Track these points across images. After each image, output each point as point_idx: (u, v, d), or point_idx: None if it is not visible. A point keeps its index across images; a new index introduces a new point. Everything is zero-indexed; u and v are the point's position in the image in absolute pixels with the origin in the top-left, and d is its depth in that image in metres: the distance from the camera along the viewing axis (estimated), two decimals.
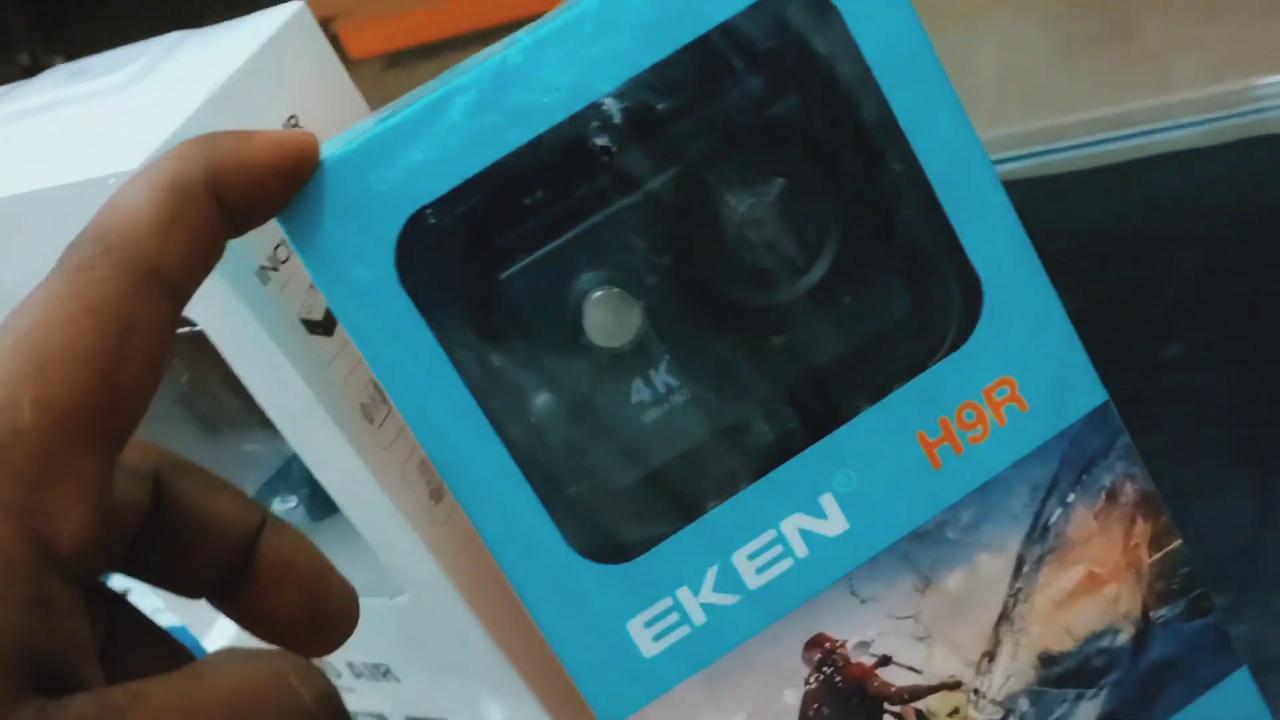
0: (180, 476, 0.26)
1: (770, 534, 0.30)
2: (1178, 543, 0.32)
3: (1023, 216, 0.30)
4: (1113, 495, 0.31)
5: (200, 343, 0.39)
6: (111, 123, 0.34)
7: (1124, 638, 0.32)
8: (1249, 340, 0.49)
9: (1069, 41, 0.63)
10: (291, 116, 0.34)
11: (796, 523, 0.30)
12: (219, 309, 0.33)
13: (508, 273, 0.28)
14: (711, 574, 0.30)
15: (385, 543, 0.39)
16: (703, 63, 0.28)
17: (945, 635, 0.31)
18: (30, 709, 0.19)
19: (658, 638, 0.30)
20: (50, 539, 0.20)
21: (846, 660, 0.31)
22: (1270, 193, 0.53)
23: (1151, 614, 0.32)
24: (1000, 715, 0.31)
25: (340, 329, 0.36)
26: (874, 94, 0.28)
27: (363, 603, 0.42)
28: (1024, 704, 0.31)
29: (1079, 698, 0.32)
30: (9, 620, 0.19)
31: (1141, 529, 0.31)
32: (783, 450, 0.30)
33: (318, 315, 0.35)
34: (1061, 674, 0.32)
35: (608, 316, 0.28)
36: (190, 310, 0.34)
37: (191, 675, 0.21)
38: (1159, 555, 0.32)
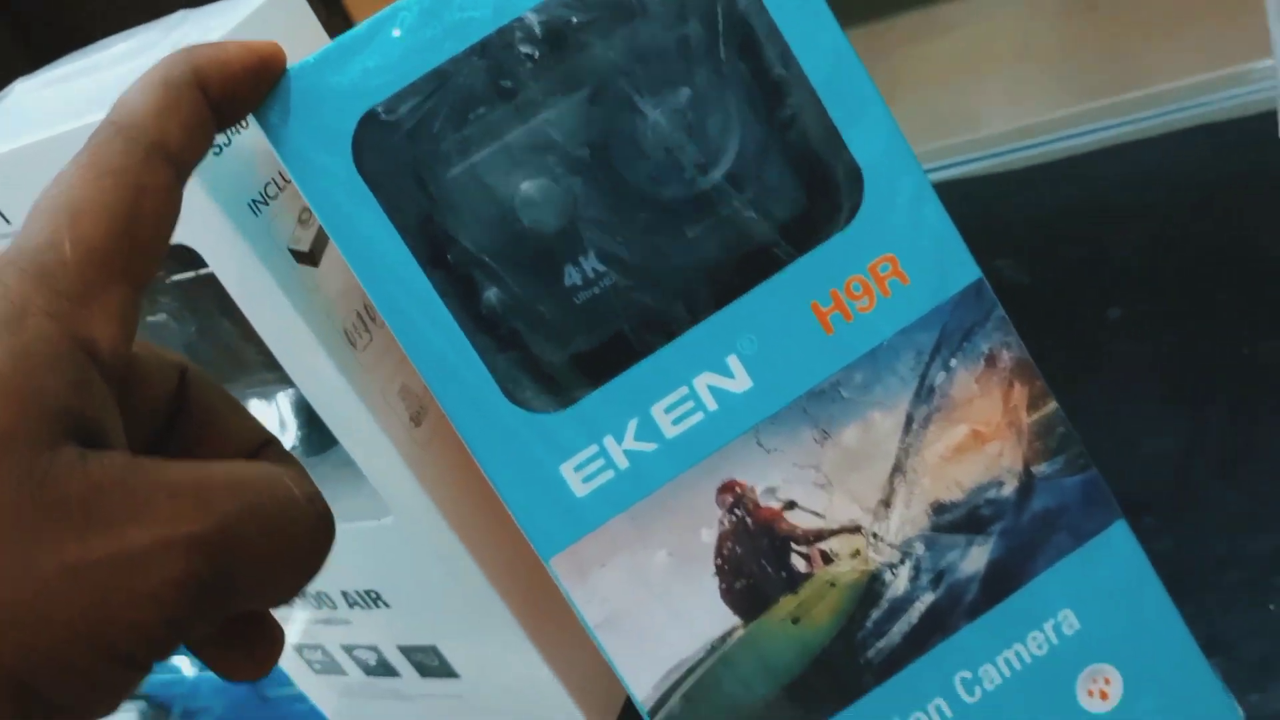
0: (203, 381, 0.31)
1: (683, 390, 0.34)
2: (1053, 405, 0.36)
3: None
4: (991, 361, 0.35)
5: (205, 290, 0.45)
6: (114, 85, 0.40)
7: (1008, 490, 0.36)
8: (1182, 301, 0.54)
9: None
10: None
11: (706, 380, 0.34)
12: (217, 237, 0.39)
13: (451, 162, 0.34)
14: (633, 425, 0.34)
15: (370, 462, 0.44)
16: None
17: (844, 484, 0.35)
18: (73, 452, 0.24)
19: (587, 480, 0.34)
20: (90, 341, 0.26)
21: (756, 504, 0.35)
22: (1203, 175, 0.58)
23: (1033, 469, 0.36)
24: (898, 557, 0.36)
25: (325, 260, 0.41)
26: (762, 14, 0.33)
27: (353, 527, 0.47)
28: (919, 548, 0.36)
29: (969, 543, 0.36)
30: (58, 389, 0.25)
31: (1019, 392, 0.36)
32: (694, 318, 0.34)
33: (304, 246, 0.41)
34: (952, 521, 0.36)
35: (538, 202, 0.33)
36: (192, 239, 0.39)
37: (204, 463, 0.26)
38: (1037, 416, 0.36)
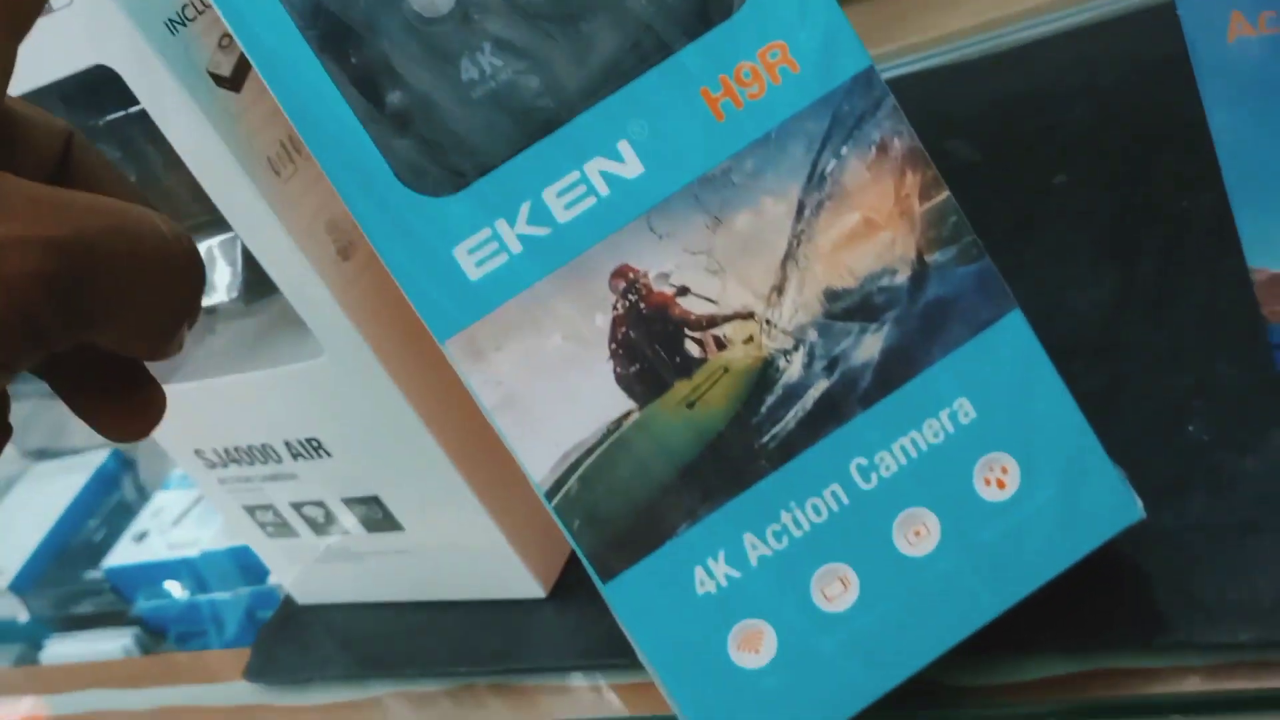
0: (88, 153, 0.32)
1: (575, 174, 0.35)
2: (945, 194, 0.36)
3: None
4: (883, 148, 0.36)
5: (136, 129, 0.46)
6: None
7: (901, 278, 0.36)
8: (1124, 166, 0.55)
9: None
10: None
11: (598, 165, 0.35)
12: (133, 56, 0.40)
13: None
14: (525, 208, 0.35)
15: (298, 297, 0.45)
16: None
17: (736, 269, 0.36)
18: None
19: (480, 263, 0.35)
20: None
21: (649, 289, 0.36)
22: (1149, 55, 0.59)
23: (925, 257, 0.36)
24: (791, 344, 0.36)
25: (249, 88, 0.42)
26: None
27: (290, 370, 0.48)
28: (812, 334, 0.36)
29: (863, 331, 0.36)
30: None
31: (911, 180, 0.36)
32: (585, 103, 0.35)
33: (225, 71, 0.42)
34: (845, 309, 0.36)
35: None
36: (108, 57, 0.40)
37: (72, 190, 0.26)
38: (929, 205, 0.36)
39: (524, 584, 0.52)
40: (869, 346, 0.36)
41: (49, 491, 0.88)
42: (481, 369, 0.35)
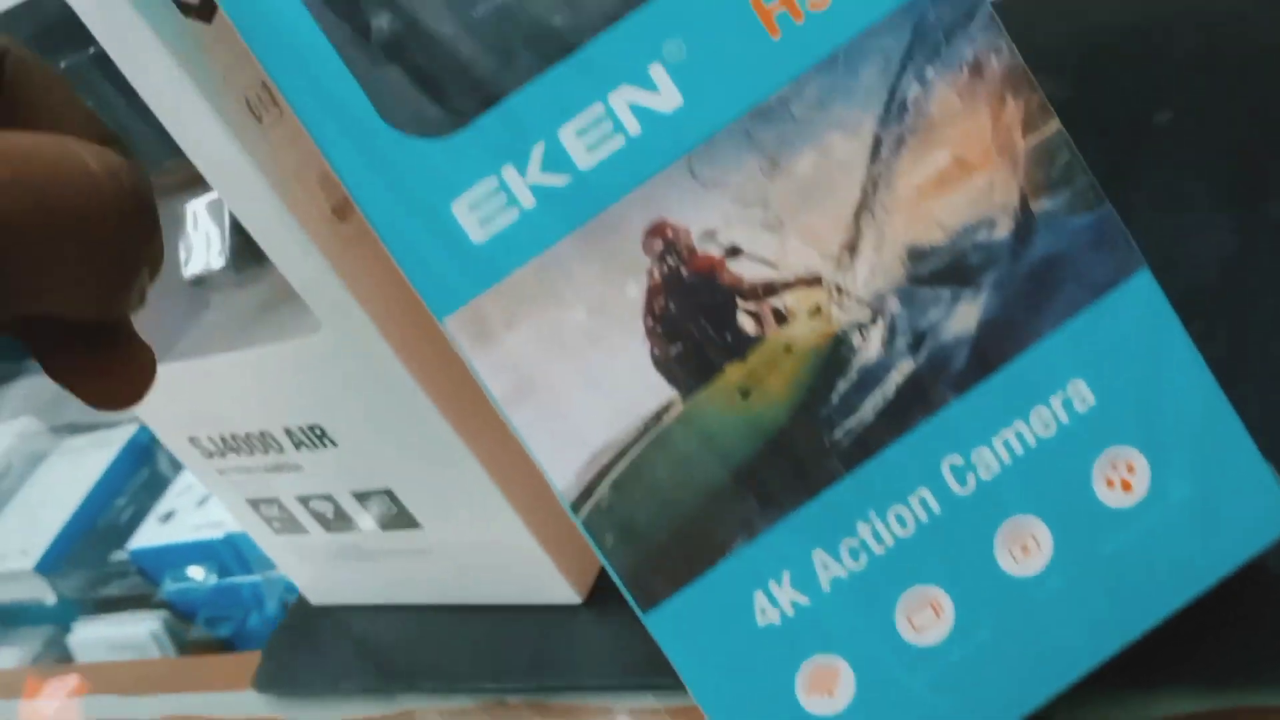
0: (28, 68, 0.26)
1: (598, 108, 0.28)
2: (1055, 125, 0.29)
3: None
4: (977, 69, 0.29)
5: (99, 73, 0.40)
6: None
7: (1002, 231, 0.29)
8: (1235, 102, 0.48)
9: None
10: None
11: (626, 96, 0.28)
12: None
13: None
14: (538, 152, 0.28)
15: (288, 262, 0.39)
16: None
17: (799, 224, 0.29)
18: None
19: (485, 222, 0.28)
20: None
21: (691, 250, 0.29)
22: None
23: (1031, 205, 0.29)
24: (868, 315, 0.29)
25: (219, 16, 0.35)
26: None
27: (285, 348, 0.42)
28: (894, 304, 0.29)
29: (956, 298, 0.29)
30: None
31: (1013, 108, 0.29)
32: (609, 18, 0.28)
33: None
34: (934, 271, 0.29)
35: None
36: None
37: None
38: (1035, 139, 0.29)
39: (557, 588, 0.46)
40: (963, 317, 0.29)
41: (77, 468, 0.85)
42: (489, 351, 0.29)
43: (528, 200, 0.28)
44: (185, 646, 0.74)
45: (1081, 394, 0.30)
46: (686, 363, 0.29)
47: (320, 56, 0.28)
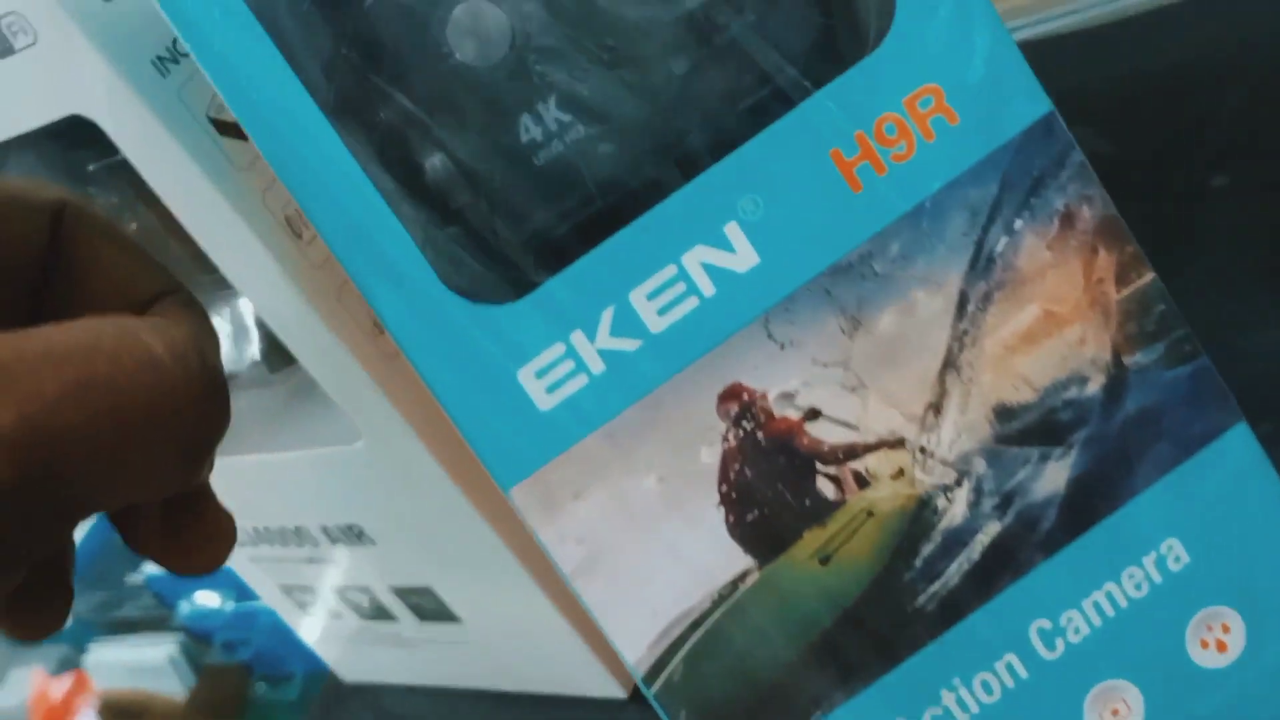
0: (85, 222, 0.25)
1: (671, 269, 0.27)
2: (1150, 277, 0.28)
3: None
4: (1068, 220, 0.27)
5: (130, 175, 0.38)
6: None
7: (1093, 387, 0.28)
8: None
9: None
10: None
11: (700, 256, 0.27)
12: (116, 104, 0.32)
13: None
14: (608, 316, 0.27)
15: (329, 377, 0.37)
16: None
17: (881, 385, 0.28)
18: None
19: (553, 389, 0.27)
20: None
21: (769, 414, 0.27)
22: None
23: (1125, 359, 0.28)
24: (953, 477, 0.28)
25: None
26: None
27: (323, 454, 0.41)
28: (980, 465, 0.28)
29: (1044, 458, 0.28)
30: None
31: (1105, 260, 0.28)
32: (681, 176, 0.27)
33: (230, 115, 0.34)
34: (1022, 430, 0.28)
35: (474, 29, 0.26)
36: (85, 106, 0.32)
37: (23, 334, 0.20)
38: (1129, 290, 0.28)
39: (601, 683, 0.45)
40: (1053, 477, 0.28)
41: None
42: (557, 522, 0.27)
43: (597, 366, 0.27)
44: (203, 671, 0.73)
45: (1176, 552, 0.28)
46: (763, 530, 0.28)
47: (372, 215, 0.26)
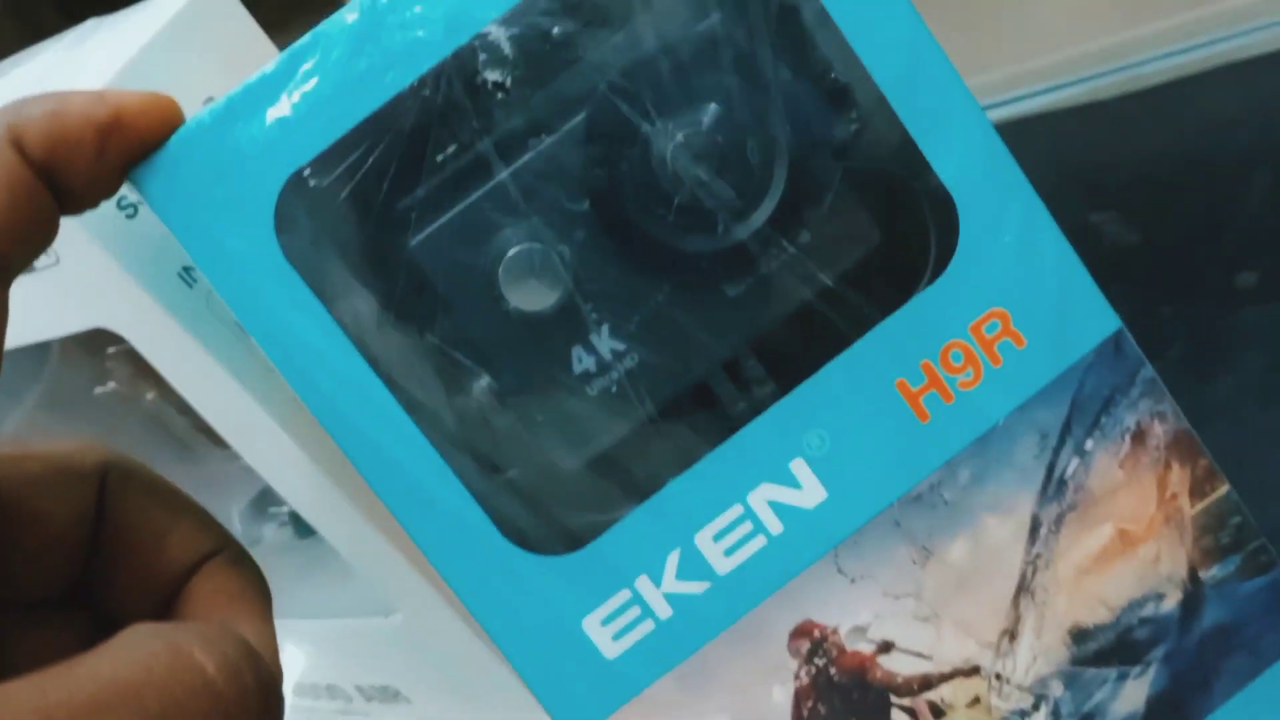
0: (131, 485, 0.24)
1: (737, 509, 0.26)
2: (1225, 489, 0.27)
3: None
4: (1140, 438, 0.27)
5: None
6: None
7: (1170, 604, 0.27)
8: None
9: None
10: (209, 98, 0.31)
11: (766, 494, 0.26)
12: (142, 317, 0.31)
13: (406, 237, 0.25)
14: (673, 560, 0.26)
15: (365, 560, 0.36)
16: None
17: (954, 613, 0.27)
18: None
19: (619, 636, 0.26)
20: None
21: (841, 649, 0.27)
22: None
23: (1201, 574, 0.27)
24: (1030, 701, 0.27)
25: None
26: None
27: (357, 623, 0.40)
28: (1057, 687, 0.27)
29: (1123, 677, 0.27)
30: None
31: (1179, 475, 0.27)
32: (743, 413, 0.26)
33: None
34: (1099, 650, 0.27)
35: (527, 276, 0.25)
36: (111, 318, 0.31)
37: (64, 669, 0.19)
38: (1203, 505, 0.27)
39: None
40: (1131, 696, 0.27)
41: None
42: None
43: (664, 610, 0.26)
44: None
45: None
46: None
47: (423, 462, 0.25)
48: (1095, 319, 0.26)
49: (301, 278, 0.24)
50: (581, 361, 0.26)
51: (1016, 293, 0.26)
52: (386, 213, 0.25)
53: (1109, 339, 0.26)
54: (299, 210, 0.24)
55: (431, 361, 0.25)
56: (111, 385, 0.43)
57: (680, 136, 0.25)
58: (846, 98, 0.25)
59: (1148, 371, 0.27)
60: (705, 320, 0.26)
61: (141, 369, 0.39)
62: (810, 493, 0.26)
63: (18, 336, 0.35)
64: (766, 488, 0.26)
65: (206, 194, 0.24)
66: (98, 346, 0.39)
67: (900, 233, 0.26)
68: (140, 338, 0.32)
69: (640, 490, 0.26)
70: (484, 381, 0.26)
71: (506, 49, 0.24)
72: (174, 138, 0.24)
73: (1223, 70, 0.52)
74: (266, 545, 0.43)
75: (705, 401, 0.26)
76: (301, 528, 0.42)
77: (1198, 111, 0.52)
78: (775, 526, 0.26)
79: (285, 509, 0.42)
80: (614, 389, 0.26)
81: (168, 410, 0.43)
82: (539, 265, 0.25)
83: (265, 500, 0.42)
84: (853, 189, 0.26)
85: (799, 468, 0.26)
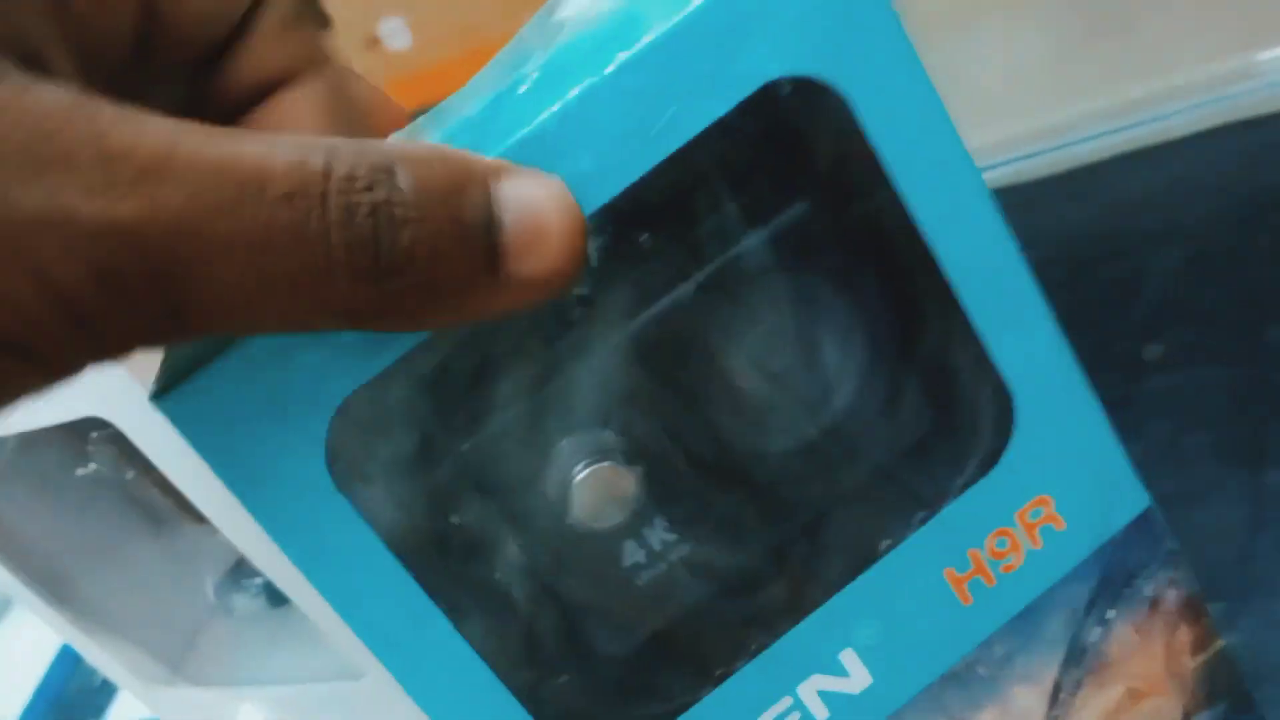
0: None
1: (787, 700, 0.26)
2: (1220, 644, 0.28)
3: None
4: (1155, 605, 0.28)
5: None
6: None
7: None
8: (1233, 336, 0.45)
9: (1065, 37, 0.57)
10: None
11: (816, 685, 0.26)
12: (132, 405, 0.29)
13: (466, 445, 0.23)
14: None
15: (334, 626, 0.35)
16: (683, 182, 0.23)
17: None
18: (18, 76, 0.16)
19: None
20: None
21: None
22: (1256, 178, 0.49)
23: (1193, 719, 0.29)
24: None
25: None
26: (886, 191, 0.23)
27: (328, 688, 0.38)
28: None
29: None
30: None
31: (1184, 635, 0.28)
32: (796, 606, 0.25)
33: None
34: None
35: (600, 496, 0.24)
36: (101, 407, 0.29)
37: (187, 127, 0.17)
38: (1202, 659, 0.28)
39: None
40: None
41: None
42: None
43: None
44: None
45: None
46: None
47: (486, 689, 0.24)
48: (1129, 497, 0.27)
49: (352, 505, 0.22)
50: (632, 555, 0.25)
51: (1062, 480, 0.26)
52: (439, 447, 0.23)
53: (1140, 516, 0.27)
54: (352, 433, 0.22)
55: (485, 579, 0.24)
56: (93, 467, 0.40)
57: (754, 343, 0.24)
58: (918, 294, 0.24)
59: (1170, 543, 0.27)
60: (761, 515, 0.25)
61: (125, 451, 0.36)
62: (857, 679, 0.26)
63: (8, 425, 0.32)
64: (817, 678, 0.26)
65: (250, 422, 0.22)
66: (82, 430, 0.36)
67: (954, 425, 0.26)
68: (131, 428, 0.30)
69: (693, 688, 0.25)
70: (532, 590, 0.24)
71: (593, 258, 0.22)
72: (213, 369, 0.21)
73: (1133, 155, 0.53)
74: (239, 615, 0.41)
75: (757, 595, 0.26)
76: (274, 597, 0.40)
77: (1111, 193, 0.53)
78: (821, 712, 0.26)
79: (258, 580, 0.40)
80: (661, 578, 0.25)
81: (146, 488, 0.40)
82: (612, 484, 0.23)
83: (239, 573, 0.40)
84: (915, 383, 0.25)
85: (849, 657, 0.26)
